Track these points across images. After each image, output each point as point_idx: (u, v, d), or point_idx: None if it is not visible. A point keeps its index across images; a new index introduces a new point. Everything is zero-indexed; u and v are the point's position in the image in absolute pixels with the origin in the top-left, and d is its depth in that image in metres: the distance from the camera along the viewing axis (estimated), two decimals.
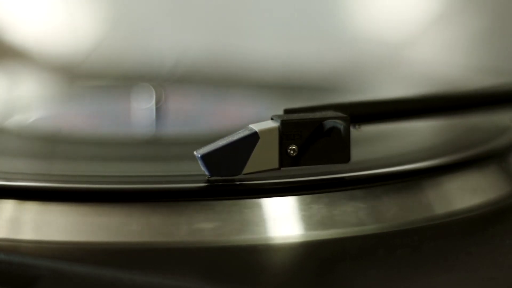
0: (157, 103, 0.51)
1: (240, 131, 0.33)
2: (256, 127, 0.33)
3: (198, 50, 0.69)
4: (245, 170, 0.33)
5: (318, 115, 0.33)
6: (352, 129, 0.34)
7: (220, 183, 0.33)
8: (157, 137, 0.49)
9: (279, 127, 0.33)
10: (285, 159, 0.33)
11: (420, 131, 0.44)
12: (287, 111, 0.35)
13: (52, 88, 0.63)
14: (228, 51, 0.69)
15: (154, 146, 0.46)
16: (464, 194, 0.37)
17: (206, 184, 0.33)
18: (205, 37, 0.73)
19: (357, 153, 0.34)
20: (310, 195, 0.33)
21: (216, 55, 0.68)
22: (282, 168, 0.33)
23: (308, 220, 0.33)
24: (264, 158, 0.33)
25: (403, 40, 0.69)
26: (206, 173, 0.32)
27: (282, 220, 0.33)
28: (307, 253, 0.32)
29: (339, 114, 0.33)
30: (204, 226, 0.32)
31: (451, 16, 0.69)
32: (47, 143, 0.45)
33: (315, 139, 0.33)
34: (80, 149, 0.43)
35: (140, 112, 0.51)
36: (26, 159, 0.41)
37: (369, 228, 0.33)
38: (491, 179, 0.38)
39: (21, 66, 0.71)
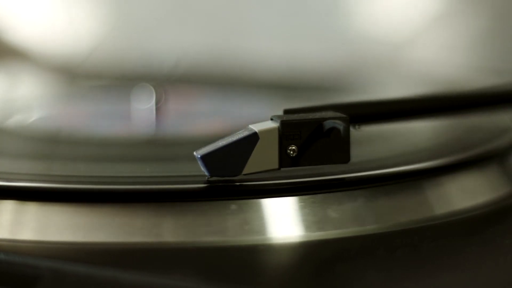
0: (157, 103, 0.51)
1: (239, 131, 0.33)
2: (256, 127, 0.33)
3: (198, 50, 0.69)
4: (245, 171, 0.33)
5: (317, 115, 0.33)
6: (352, 129, 0.34)
7: (220, 184, 0.33)
8: (157, 137, 0.49)
9: (278, 128, 0.33)
10: (284, 160, 0.33)
11: (420, 131, 0.44)
12: (287, 111, 0.35)
13: (52, 88, 0.63)
14: (228, 51, 0.69)
15: (154, 146, 0.46)
16: (464, 194, 0.37)
17: (206, 185, 0.33)
18: (205, 37, 0.73)
19: (357, 153, 0.34)
20: (310, 195, 0.33)
21: (216, 55, 0.68)
22: (282, 169, 0.33)
23: (308, 220, 0.33)
24: (264, 159, 0.33)
25: (403, 40, 0.69)
26: (206, 173, 0.32)
27: (282, 220, 0.33)
28: (307, 253, 0.32)
29: (339, 114, 0.33)
30: (204, 226, 0.32)
31: (451, 16, 0.69)
32: (47, 143, 0.45)
33: (314, 139, 0.33)
34: (80, 149, 0.43)
35: (140, 112, 0.51)
36: (26, 159, 0.41)
37: (369, 228, 0.33)
38: (491, 179, 0.38)
39: (21, 66, 0.71)
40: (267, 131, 0.33)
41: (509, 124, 0.44)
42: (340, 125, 0.32)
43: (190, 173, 0.35)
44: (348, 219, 0.33)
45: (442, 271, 0.30)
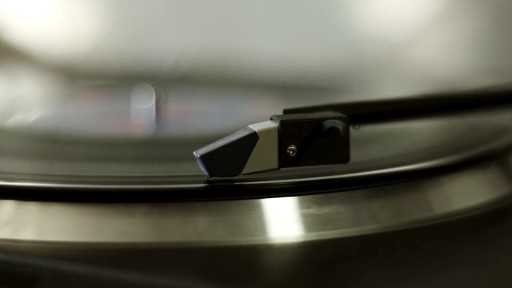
0: (157, 103, 0.51)
1: (239, 131, 0.33)
2: (255, 127, 0.33)
3: (198, 50, 0.69)
4: (244, 170, 0.33)
5: (317, 115, 0.33)
6: (351, 129, 0.34)
7: (220, 183, 0.33)
8: (157, 137, 0.49)
9: (278, 127, 0.33)
10: (284, 159, 0.33)
11: (420, 131, 0.44)
12: (286, 111, 0.35)
13: (52, 88, 0.63)
14: (228, 51, 0.69)
15: (154, 146, 0.46)
16: (464, 194, 0.37)
17: (205, 185, 0.33)
18: (205, 37, 0.73)
19: (356, 153, 0.34)
20: (310, 195, 0.33)
21: (216, 55, 0.68)
22: (281, 168, 0.33)
23: (308, 220, 0.33)
24: (263, 158, 0.33)
25: (403, 40, 0.69)
26: (206, 173, 0.32)
27: (282, 220, 0.33)
28: (307, 253, 0.32)
29: (339, 114, 0.33)
30: (203, 226, 0.32)
31: (451, 16, 0.69)
32: (47, 143, 0.45)
33: (314, 139, 0.33)
34: (80, 149, 0.43)
35: (140, 112, 0.51)
36: (26, 159, 0.41)
37: (369, 228, 0.33)
38: (491, 179, 0.38)
39: (21, 66, 0.71)
40: (267, 131, 0.33)
41: (509, 124, 0.43)
42: (339, 125, 0.32)
43: (190, 173, 0.35)
44: (348, 219, 0.33)
45: (442, 271, 0.30)
